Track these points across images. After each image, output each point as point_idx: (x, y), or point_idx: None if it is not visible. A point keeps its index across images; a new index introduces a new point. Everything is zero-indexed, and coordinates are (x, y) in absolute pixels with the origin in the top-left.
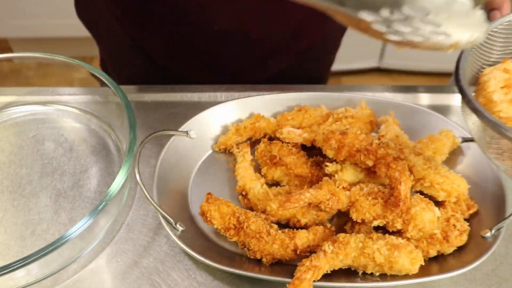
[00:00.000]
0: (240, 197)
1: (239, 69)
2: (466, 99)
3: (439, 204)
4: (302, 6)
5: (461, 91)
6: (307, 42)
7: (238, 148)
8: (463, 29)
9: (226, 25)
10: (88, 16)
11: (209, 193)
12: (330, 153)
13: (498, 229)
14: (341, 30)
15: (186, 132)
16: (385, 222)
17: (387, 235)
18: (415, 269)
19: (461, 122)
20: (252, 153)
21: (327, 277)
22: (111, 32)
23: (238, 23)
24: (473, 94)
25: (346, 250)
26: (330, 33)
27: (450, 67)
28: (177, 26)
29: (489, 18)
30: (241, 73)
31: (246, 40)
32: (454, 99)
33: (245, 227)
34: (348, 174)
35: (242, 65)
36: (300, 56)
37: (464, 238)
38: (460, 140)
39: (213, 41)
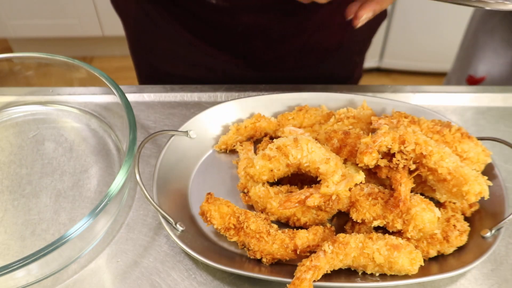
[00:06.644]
0: (241, 194)
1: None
2: None
3: (439, 204)
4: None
5: None
6: (331, 41)
7: (241, 146)
8: None
9: (249, 26)
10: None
11: (209, 193)
12: None
13: (498, 229)
14: (369, 32)
15: (186, 132)
16: (385, 223)
17: (387, 235)
18: (414, 270)
19: (461, 122)
20: (254, 152)
21: (327, 277)
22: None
23: (260, 23)
24: None
25: (346, 250)
26: (354, 34)
27: (449, 67)
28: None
29: None
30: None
31: (267, 38)
32: (454, 99)
33: (245, 227)
34: None
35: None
36: (324, 56)
37: (464, 238)
38: None
39: (236, 40)
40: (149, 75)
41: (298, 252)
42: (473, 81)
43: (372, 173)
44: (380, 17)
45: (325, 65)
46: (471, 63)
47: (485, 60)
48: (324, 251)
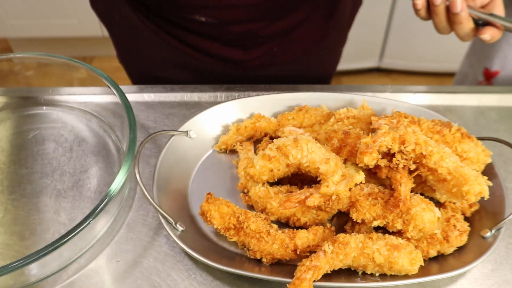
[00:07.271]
0: (241, 194)
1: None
2: None
3: (439, 204)
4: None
5: None
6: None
7: (241, 146)
8: None
9: (237, 34)
10: (101, 7)
11: (209, 193)
12: None
13: (498, 229)
14: (349, 20)
15: (186, 132)
16: (385, 223)
17: (387, 235)
18: (414, 270)
19: (461, 122)
20: (254, 152)
21: (327, 277)
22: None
23: (248, 30)
24: None
25: (346, 250)
26: (336, 24)
27: (449, 67)
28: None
29: None
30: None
31: (254, 40)
32: (454, 99)
33: (245, 227)
34: None
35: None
36: (311, 48)
37: (464, 238)
38: None
39: (223, 44)
40: (138, 80)
41: (298, 252)
42: (489, 74)
43: (372, 173)
44: (357, 3)
45: (313, 57)
46: (487, 55)
47: (499, 52)
48: (324, 251)
